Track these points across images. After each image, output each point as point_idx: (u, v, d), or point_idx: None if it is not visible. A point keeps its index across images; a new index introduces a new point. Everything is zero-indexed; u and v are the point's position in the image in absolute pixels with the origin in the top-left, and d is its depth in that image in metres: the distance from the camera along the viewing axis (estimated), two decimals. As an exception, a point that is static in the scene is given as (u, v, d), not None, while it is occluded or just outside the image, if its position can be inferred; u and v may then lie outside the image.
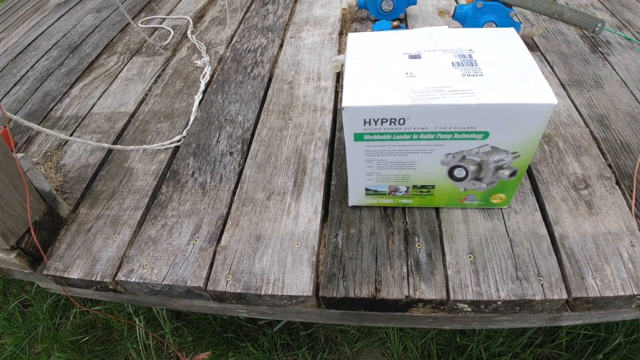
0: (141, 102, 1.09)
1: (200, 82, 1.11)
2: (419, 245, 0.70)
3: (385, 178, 0.69)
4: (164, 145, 0.95)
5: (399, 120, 0.59)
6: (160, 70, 1.20)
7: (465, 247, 0.69)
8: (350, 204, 0.76)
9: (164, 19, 1.45)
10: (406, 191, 0.71)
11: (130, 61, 1.26)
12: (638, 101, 0.94)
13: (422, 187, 0.70)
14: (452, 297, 0.63)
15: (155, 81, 1.17)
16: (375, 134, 0.61)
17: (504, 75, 0.59)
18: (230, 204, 0.80)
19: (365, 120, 0.59)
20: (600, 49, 1.11)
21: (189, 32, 1.32)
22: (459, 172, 0.66)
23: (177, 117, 1.03)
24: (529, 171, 0.81)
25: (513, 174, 0.65)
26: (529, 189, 0.77)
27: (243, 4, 1.48)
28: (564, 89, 1.00)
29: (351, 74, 0.63)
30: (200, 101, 1.06)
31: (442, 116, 0.57)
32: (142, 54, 1.29)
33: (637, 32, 1.16)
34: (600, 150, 0.83)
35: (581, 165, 0.81)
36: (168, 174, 0.89)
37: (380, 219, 0.74)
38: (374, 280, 0.66)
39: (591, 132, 0.87)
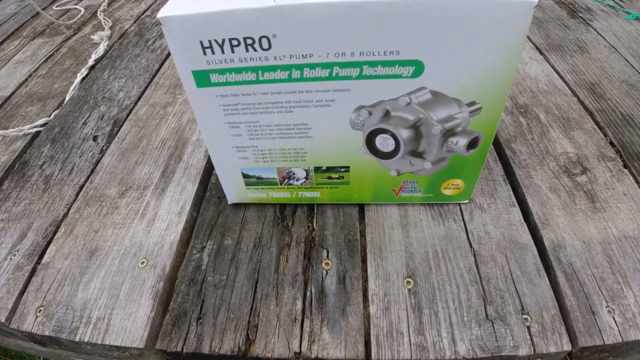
0: (21, 85, 0.86)
1: (89, 59, 0.85)
2: (327, 264, 0.43)
3: (267, 155, 0.42)
4: (22, 130, 0.69)
5: (261, 40, 0.32)
6: (54, 50, 0.95)
7: (402, 267, 0.42)
8: (230, 202, 0.49)
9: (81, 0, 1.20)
10: (306, 178, 0.45)
11: (30, 44, 1.03)
12: (635, 68, 0.71)
13: (331, 170, 0.43)
14: (374, 357, 0.36)
15: (46, 61, 0.92)
16: (228, 72, 0.35)
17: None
18: (72, 204, 0.53)
19: (203, 43, 0.33)
20: (580, 14, 0.90)
21: (99, 10, 1.07)
22: (383, 142, 0.40)
23: (52, 98, 0.79)
24: (500, 150, 0.56)
25: (473, 143, 0.40)
26: (501, 175, 0.52)
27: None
28: (540, 53, 0.76)
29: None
30: (84, 78, 0.80)
31: (337, 26, 0.31)
32: (44, 35, 1.06)
33: (620, 1, 0.94)
34: (597, 123, 0.59)
35: (573, 143, 0.56)
36: (17, 165, 0.62)
37: (272, 224, 0.47)
38: (246, 323, 0.39)
39: (581, 102, 0.63)
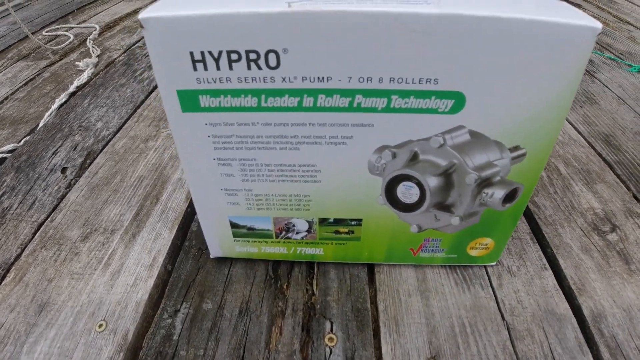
0: (-4, 107, 0.75)
1: (71, 85, 0.78)
2: (330, 339, 0.34)
3: (263, 201, 0.34)
4: (-15, 157, 0.60)
5: (267, 55, 0.26)
6: (36, 74, 0.88)
7: (424, 345, 0.34)
8: (212, 255, 0.41)
9: (72, 27, 1.14)
10: (309, 231, 0.37)
11: (13, 65, 0.95)
12: (648, 119, 0.67)
13: (339, 222, 0.36)
14: None
15: (25, 84, 0.84)
16: (223, 94, 0.28)
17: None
18: (28, 244, 0.44)
19: (194, 55, 0.26)
20: (581, 65, 0.88)
21: (89, 38, 1.01)
22: (406, 191, 0.32)
23: (25, 123, 0.70)
24: (522, 204, 0.49)
25: (511, 196, 0.33)
26: (528, 233, 0.45)
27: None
28: (549, 102, 0.73)
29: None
30: (62, 105, 0.72)
31: (365, 42, 0.25)
32: (29, 59, 0.98)
33: (621, 55, 0.94)
34: (618, 176, 0.54)
35: (598, 197, 0.50)
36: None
37: (262, 285, 0.39)
38: None
39: (598, 154, 0.59)
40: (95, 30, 1.06)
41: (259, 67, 0.26)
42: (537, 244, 0.44)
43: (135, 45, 0.99)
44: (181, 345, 0.34)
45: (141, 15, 0.25)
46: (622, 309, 0.37)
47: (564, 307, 0.38)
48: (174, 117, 0.29)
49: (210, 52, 0.26)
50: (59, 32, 1.08)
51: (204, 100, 0.28)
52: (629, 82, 0.82)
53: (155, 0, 0.28)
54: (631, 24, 1.16)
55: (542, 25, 0.24)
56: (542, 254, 0.43)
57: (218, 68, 0.27)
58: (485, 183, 0.32)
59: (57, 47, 0.98)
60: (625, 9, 1.30)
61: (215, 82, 0.27)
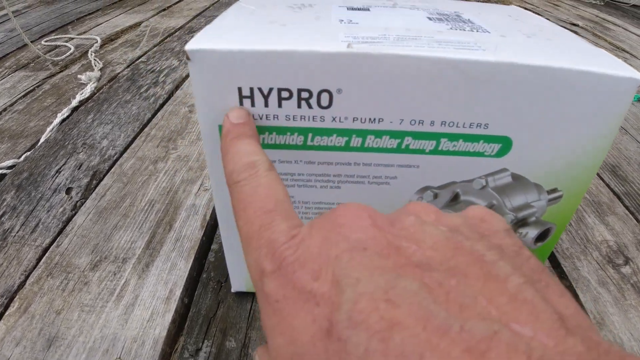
0: (-7, 119, 0.73)
1: (73, 100, 0.75)
2: (362, 381, 0.33)
3: (296, 237, 0.33)
4: (-21, 174, 0.58)
5: (320, 95, 0.25)
6: (36, 85, 0.85)
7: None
8: (234, 289, 0.39)
9: (72, 38, 1.11)
10: (339, 265, 0.36)
11: (11, 75, 0.92)
12: (649, 150, 0.69)
13: (370, 257, 0.35)
14: None
15: (25, 96, 0.81)
16: (268, 131, 0.27)
17: (527, 38, 0.29)
18: (32, 271, 0.42)
19: (242, 91, 0.25)
20: (579, 94, 0.90)
21: (90, 50, 0.99)
22: (442, 229, 0.32)
23: (25, 137, 0.67)
24: (540, 237, 0.49)
25: (543, 235, 0.33)
26: (548, 267, 0.45)
27: (166, 31, 1.17)
28: (553, 130, 0.74)
29: (226, 18, 0.30)
30: (64, 120, 0.70)
31: (421, 86, 0.25)
32: (28, 69, 0.95)
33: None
34: (626, 207, 0.55)
35: (610, 230, 0.51)
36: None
37: (287, 321, 0.37)
38: None
39: (607, 185, 0.60)
40: (97, 42, 1.04)
41: (310, 106, 0.26)
42: (556, 278, 0.44)
43: (139, 60, 0.97)
44: (206, 386, 0.33)
45: (188, 46, 0.24)
46: (639, 342, 0.38)
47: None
48: (213, 152, 0.28)
49: (260, 89, 0.25)
50: (58, 43, 1.06)
51: (248, 137, 0.27)
52: (630, 111, 0.84)
53: (163, 10, 0.27)
54: (627, 52, 1.20)
55: (590, 75, 0.25)
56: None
57: (266, 105, 0.26)
58: (521, 222, 0.32)
59: (57, 57, 0.96)
60: (620, 36, 1.34)
61: (261, 119, 0.27)
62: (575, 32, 1.32)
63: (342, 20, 0.30)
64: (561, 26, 0.34)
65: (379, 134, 0.27)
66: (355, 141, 0.27)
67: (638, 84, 0.25)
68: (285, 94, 0.26)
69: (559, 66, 0.24)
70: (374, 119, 0.26)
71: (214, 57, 0.24)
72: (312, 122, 0.27)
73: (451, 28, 0.30)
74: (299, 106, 0.26)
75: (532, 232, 0.33)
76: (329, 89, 0.25)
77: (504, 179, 0.29)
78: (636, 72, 0.26)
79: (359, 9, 0.34)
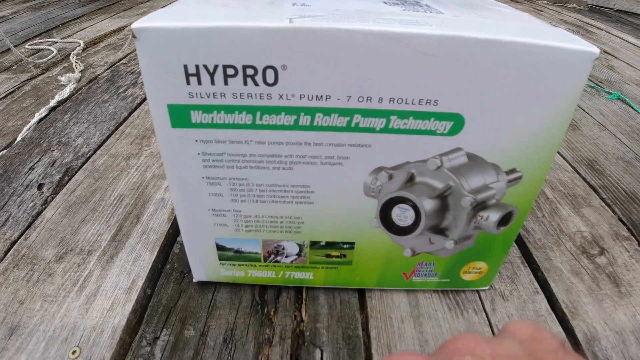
0: (-29, 121, 0.72)
1: (52, 100, 0.75)
2: (321, 369, 0.33)
3: (252, 222, 0.33)
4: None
5: (265, 71, 0.25)
6: (16, 87, 0.85)
7: (418, 374, 0.32)
8: (196, 279, 0.38)
9: (55, 42, 1.11)
10: (299, 254, 0.35)
11: None
12: (627, 146, 0.69)
13: (331, 246, 0.34)
14: None
15: (5, 97, 0.82)
16: (216, 110, 0.26)
17: (482, 19, 0.29)
18: None
19: (188, 68, 0.25)
20: (560, 93, 0.90)
21: (72, 53, 0.99)
22: (401, 214, 0.32)
23: (2, 136, 0.69)
24: (512, 228, 0.49)
25: (506, 219, 0.32)
26: (518, 257, 0.45)
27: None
28: (532, 127, 0.74)
29: (180, 3, 0.30)
30: (42, 119, 0.70)
31: (367, 62, 0.24)
32: (10, 71, 0.95)
33: (600, 82, 0.98)
34: (603, 200, 0.55)
35: (585, 221, 0.51)
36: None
37: (248, 311, 0.37)
38: None
39: (583, 178, 0.60)
40: (80, 45, 1.04)
41: (256, 84, 0.25)
42: (528, 268, 0.43)
43: (120, 62, 0.97)
44: (161, 376, 0.32)
45: (134, 25, 0.24)
46: (615, 332, 0.37)
47: (557, 330, 0.37)
48: (163, 132, 0.28)
49: (205, 66, 0.25)
50: (42, 47, 1.05)
51: (196, 116, 0.27)
52: (609, 109, 0.84)
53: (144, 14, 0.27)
54: (609, 53, 1.21)
55: (542, 49, 0.24)
56: (533, 278, 0.42)
57: (212, 83, 0.26)
58: (480, 206, 0.32)
59: (39, 60, 0.96)
60: (602, 38, 1.36)
61: (208, 97, 0.26)
62: (558, 34, 1.33)
63: (295, 4, 0.30)
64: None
65: (327, 111, 0.26)
66: (304, 119, 0.27)
67: (594, 57, 0.25)
68: (230, 71, 0.25)
69: (509, 39, 0.24)
70: (321, 96, 0.26)
71: (159, 35, 0.24)
72: (259, 100, 0.26)
73: (405, 10, 0.30)
74: (245, 83, 0.26)
75: (493, 216, 0.32)
76: (273, 65, 0.25)
77: (459, 159, 0.29)
78: (593, 46, 0.25)
79: (316, -6, 0.33)
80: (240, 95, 0.26)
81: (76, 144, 0.63)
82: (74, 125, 0.68)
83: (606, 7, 1.90)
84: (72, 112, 0.73)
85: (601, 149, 0.68)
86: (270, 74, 0.25)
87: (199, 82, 0.26)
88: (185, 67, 0.25)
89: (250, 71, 0.25)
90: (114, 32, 1.18)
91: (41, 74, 0.91)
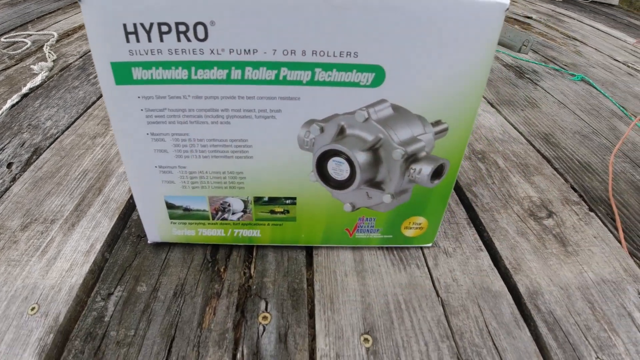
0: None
1: (24, 87, 0.76)
2: (264, 317, 0.34)
3: (197, 179, 0.35)
4: None
5: (196, 27, 0.27)
6: None
7: (358, 321, 0.34)
8: (150, 241, 0.40)
9: (30, 34, 1.11)
10: (244, 211, 0.37)
11: None
12: (585, 121, 0.72)
13: (274, 201, 0.36)
14: None
15: None
16: (154, 66, 0.28)
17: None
18: None
19: (127, 27, 0.27)
20: (527, 75, 0.93)
21: (46, 44, 0.99)
22: (337, 167, 0.34)
23: None
24: (460, 194, 0.51)
25: (438, 172, 0.34)
26: (464, 219, 0.47)
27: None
28: (493, 107, 0.77)
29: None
30: (14, 105, 0.71)
31: (288, 16, 0.26)
32: None
33: (565, 66, 1.00)
34: (556, 169, 0.57)
35: (535, 187, 0.53)
36: None
37: (199, 269, 0.39)
38: (153, 400, 0.29)
39: (537, 150, 0.62)
40: (53, 37, 1.05)
41: (188, 39, 0.27)
42: (473, 229, 0.46)
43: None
44: (112, 326, 0.34)
45: None
46: (560, 287, 0.39)
47: (499, 284, 0.39)
48: (108, 90, 0.29)
49: (142, 24, 0.27)
50: (17, 39, 1.06)
51: (137, 73, 0.29)
52: (571, 89, 0.87)
53: None
54: (578, 40, 1.24)
55: (452, 3, 0.27)
56: (478, 237, 0.44)
57: (149, 40, 0.27)
58: (412, 159, 0.34)
59: (13, 52, 0.97)
60: (573, 27, 1.39)
61: (147, 54, 0.28)
62: (528, 25, 1.37)
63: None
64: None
65: (255, 65, 0.28)
66: (235, 73, 0.29)
67: (505, 8, 0.27)
68: (164, 28, 0.27)
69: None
70: (249, 50, 0.28)
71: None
72: (192, 55, 0.28)
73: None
74: (179, 39, 0.27)
75: (425, 169, 0.34)
76: (202, 21, 0.27)
77: (384, 110, 0.31)
78: None
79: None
80: (175, 51, 0.28)
81: (45, 126, 0.64)
82: (44, 109, 0.70)
83: (581, -1, 1.94)
84: (43, 98, 0.74)
85: (558, 125, 0.71)
86: (200, 30, 0.27)
87: (137, 40, 0.27)
88: (125, 25, 0.27)
89: (182, 27, 0.27)
90: (91, 25, 1.19)
91: (15, 65, 0.92)
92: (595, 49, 1.17)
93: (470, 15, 0.27)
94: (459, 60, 0.29)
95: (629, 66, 1.04)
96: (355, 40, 0.28)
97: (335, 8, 0.26)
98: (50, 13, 1.27)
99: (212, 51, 0.28)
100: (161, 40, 0.27)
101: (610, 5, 1.89)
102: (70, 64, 0.89)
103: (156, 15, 0.26)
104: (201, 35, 0.27)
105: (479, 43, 0.28)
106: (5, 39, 1.08)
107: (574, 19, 1.51)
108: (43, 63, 0.85)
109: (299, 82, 0.29)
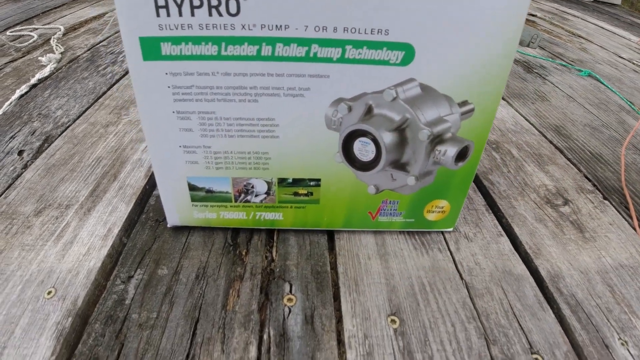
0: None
1: (32, 78, 0.76)
2: (289, 299, 0.34)
3: (222, 159, 0.34)
4: None
5: (228, 2, 0.26)
6: None
7: (384, 303, 0.34)
8: (170, 224, 0.40)
9: (36, 28, 1.11)
10: (268, 193, 0.37)
11: None
12: (595, 115, 0.72)
13: (298, 183, 0.36)
14: (352, 416, 0.27)
15: None
16: (184, 41, 0.28)
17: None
18: None
19: (157, 0, 0.26)
20: (535, 70, 0.94)
21: (53, 37, 0.99)
22: (363, 148, 0.33)
23: None
24: (477, 182, 0.51)
25: (462, 154, 0.34)
26: (483, 205, 0.47)
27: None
28: (504, 99, 0.77)
29: None
30: (22, 96, 0.70)
31: (317, -12, 0.26)
32: None
33: (572, 62, 1.01)
34: (569, 160, 0.57)
35: (550, 176, 0.53)
36: None
37: (221, 252, 0.38)
38: (181, 379, 0.28)
39: (549, 141, 0.62)
40: (60, 30, 1.04)
41: (220, 14, 0.27)
42: (492, 215, 0.45)
43: (100, 44, 0.98)
44: (133, 309, 0.33)
45: None
46: (580, 271, 0.39)
47: (521, 268, 0.39)
48: (135, 66, 0.29)
49: (170, -4, 0.26)
50: (23, 32, 1.06)
51: (166, 48, 0.28)
52: (579, 84, 0.87)
53: None
54: (583, 37, 1.24)
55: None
56: (497, 223, 0.44)
57: (180, 14, 0.27)
58: (437, 140, 0.33)
59: (20, 44, 0.96)
60: (577, 24, 1.40)
61: (177, 28, 0.28)
62: (533, 22, 1.37)
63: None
64: None
65: (287, 41, 0.28)
66: (266, 49, 0.29)
67: None
68: (196, 2, 0.27)
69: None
70: (281, 26, 0.28)
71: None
72: (223, 30, 0.28)
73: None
74: (210, 14, 0.27)
75: (450, 150, 0.34)
76: (234, -7, 0.26)
77: (412, 90, 0.31)
78: None
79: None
80: (206, 26, 0.28)
81: (56, 115, 0.64)
82: (54, 99, 0.69)
83: (583, -2, 1.95)
84: (52, 89, 0.73)
85: (569, 117, 0.71)
86: (232, 5, 0.27)
87: (168, 14, 0.27)
88: (154, -1, 0.27)
89: (214, 1, 0.27)
90: (94, 18, 1.19)
91: (22, 57, 0.91)
92: (601, 47, 1.17)
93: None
94: (486, 40, 0.29)
95: (634, 63, 1.05)
96: (386, 17, 0.27)
97: (369, -18, 0.26)
98: (55, 8, 1.27)
99: (243, 26, 0.28)
100: (192, 14, 0.27)
101: (613, 5, 1.90)
102: (79, 56, 0.89)
103: (187, -12, 0.26)
104: (233, 9, 0.27)
105: (506, 24, 0.28)
106: (11, 32, 1.08)
107: (578, 17, 1.51)
108: (51, 55, 0.85)
109: (329, 60, 0.29)
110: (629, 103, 0.80)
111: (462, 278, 0.37)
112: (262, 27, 0.28)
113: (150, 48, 0.28)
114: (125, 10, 0.27)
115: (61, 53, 0.89)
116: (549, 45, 1.13)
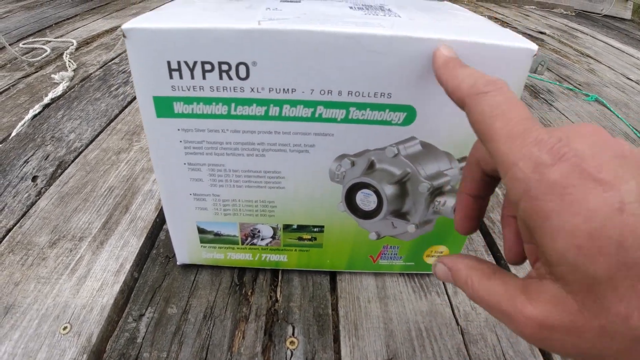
0: (-33, 115, 0.75)
1: (45, 97, 0.78)
2: (292, 342, 0.36)
3: (230, 206, 0.36)
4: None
5: (238, 67, 0.28)
6: (11, 85, 0.88)
7: (382, 348, 0.36)
8: (179, 262, 0.41)
9: (49, 41, 1.14)
10: (273, 237, 0.38)
11: None
12: (598, 145, 0.72)
13: (302, 229, 0.38)
14: None
15: (0, 94, 0.83)
16: (196, 101, 0.29)
17: (435, 21, 0.32)
18: None
19: (171, 64, 0.28)
20: (542, 96, 0.94)
21: (66, 52, 1.01)
22: (365, 198, 0.35)
23: None
24: (479, 219, 0.52)
25: (461, 205, 0.35)
26: (482, 246, 0.48)
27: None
28: (509, 127, 0.77)
29: (166, 7, 0.33)
30: (36, 116, 0.73)
31: (327, 59, 0.27)
32: (4, 69, 0.99)
33: (579, 85, 1.01)
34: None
35: (550, 215, 0.54)
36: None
37: (227, 291, 0.40)
38: None
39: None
40: (73, 45, 1.07)
41: (230, 78, 0.29)
42: (491, 256, 0.46)
43: (112, 62, 1.00)
44: (145, 347, 0.35)
45: (125, 26, 0.27)
46: None
47: (515, 314, 0.40)
48: (149, 122, 0.31)
49: (185, 62, 0.28)
50: (36, 45, 1.08)
51: (178, 107, 0.30)
52: (585, 110, 0.88)
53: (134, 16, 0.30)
54: (591, 57, 1.25)
55: (483, 47, 0.28)
56: (496, 265, 0.45)
57: (192, 77, 0.29)
58: (437, 192, 0.35)
59: (33, 59, 0.99)
60: (586, 43, 1.40)
61: (189, 90, 0.29)
62: (541, 40, 1.38)
63: (269, 8, 0.33)
64: (527, 35, 0.37)
65: (293, 103, 0.30)
66: (274, 110, 0.30)
67: (533, 53, 0.28)
68: (208, 67, 0.28)
69: (450, 39, 0.27)
70: (288, 89, 0.29)
71: (146, 34, 0.27)
72: (233, 92, 0.29)
73: (366, 14, 0.33)
74: (221, 77, 0.29)
75: (449, 201, 0.35)
76: (245, 61, 0.28)
77: (414, 147, 0.32)
78: (532, 43, 0.29)
79: (291, 1, 0.37)
80: (217, 88, 0.29)
81: (69, 139, 0.66)
82: (67, 121, 0.71)
83: (593, 13, 1.95)
84: (65, 109, 0.76)
85: (572, 148, 0.71)
86: (242, 70, 0.28)
87: (181, 77, 0.29)
88: (169, 63, 0.28)
89: (225, 67, 0.28)
90: (107, 32, 1.21)
91: (35, 72, 0.94)
92: (609, 67, 1.18)
93: (499, 59, 0.28)
94: (488, 101, 0.30)
95: (641, 86, 1.05)
96: (389, 82, 0.29)
97: (372, 53, 0.27)
98: (68, 19, 1.30)
99: (252, 89, 0.29)
100: (204, 77, 0.29)
101: (623, 20, 1.89)
102: (91, 74, 0.91)
103: (200, 54, 0.28)
104: (243, 74, 0.28)
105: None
106: (23, 44, 1.10)
107: (587, 35, 1.51)
108: (64, 73, 0.87)
109: (333, 120, 0.30)
110: (634, 131, 0.80)
111: (458, 323, 0.38)
112: (270, 90, 0.29)
113: (164, 106, 0.30)
114: (139, 71, 0.29)
115: (73, 70, 0.92)
116: (556, 67, 1.14)
